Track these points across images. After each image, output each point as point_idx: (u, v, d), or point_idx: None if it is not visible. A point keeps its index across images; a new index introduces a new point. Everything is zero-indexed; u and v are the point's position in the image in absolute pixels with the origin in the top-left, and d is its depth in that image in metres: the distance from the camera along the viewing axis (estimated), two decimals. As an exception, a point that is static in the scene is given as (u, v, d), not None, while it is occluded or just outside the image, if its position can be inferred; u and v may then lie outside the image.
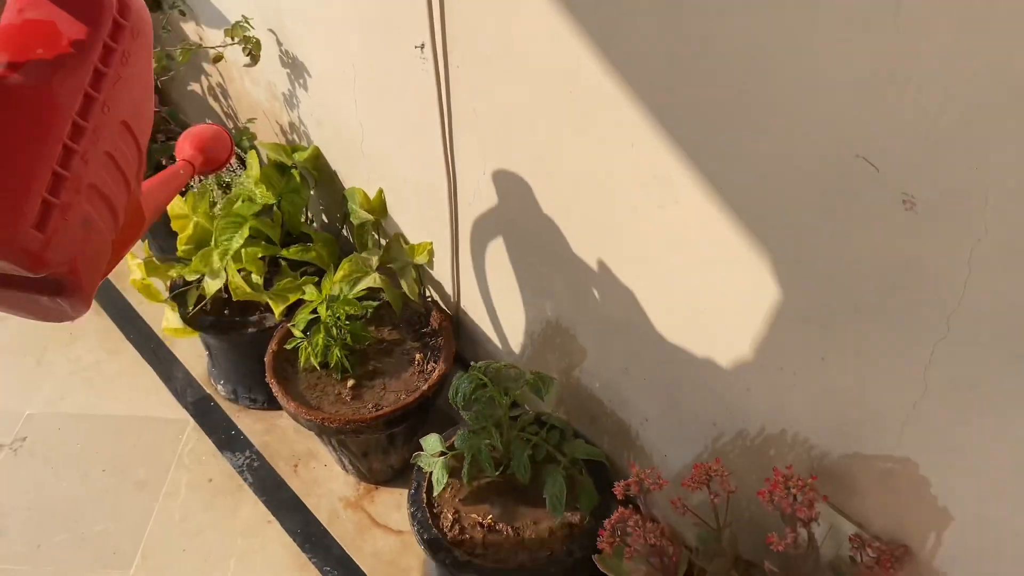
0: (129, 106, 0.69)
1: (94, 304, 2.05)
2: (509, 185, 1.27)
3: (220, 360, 1.79)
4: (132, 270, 1.64)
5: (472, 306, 1.56)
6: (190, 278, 1.63)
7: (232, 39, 1.57)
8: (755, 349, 1.03)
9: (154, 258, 1.64)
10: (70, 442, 1.76)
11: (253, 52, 1.56)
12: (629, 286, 1.16)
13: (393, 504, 1.66)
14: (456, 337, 1.59)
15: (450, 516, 1.33)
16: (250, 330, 1.64)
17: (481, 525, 1.32)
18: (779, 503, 0.98)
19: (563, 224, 1.21)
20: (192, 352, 1.95)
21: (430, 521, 1.32)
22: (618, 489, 1.08)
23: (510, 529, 1.32)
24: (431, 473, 1.35)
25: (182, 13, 1.83)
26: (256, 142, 1.75)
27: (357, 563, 1.56)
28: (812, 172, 0.82)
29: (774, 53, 0.78)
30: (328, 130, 1.66)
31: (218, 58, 1.63)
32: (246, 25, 1.56)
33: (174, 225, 1.65)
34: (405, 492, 1.63)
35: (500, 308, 1.49)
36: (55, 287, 0.67)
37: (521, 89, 1.12)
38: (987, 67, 0.64)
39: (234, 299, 1.60)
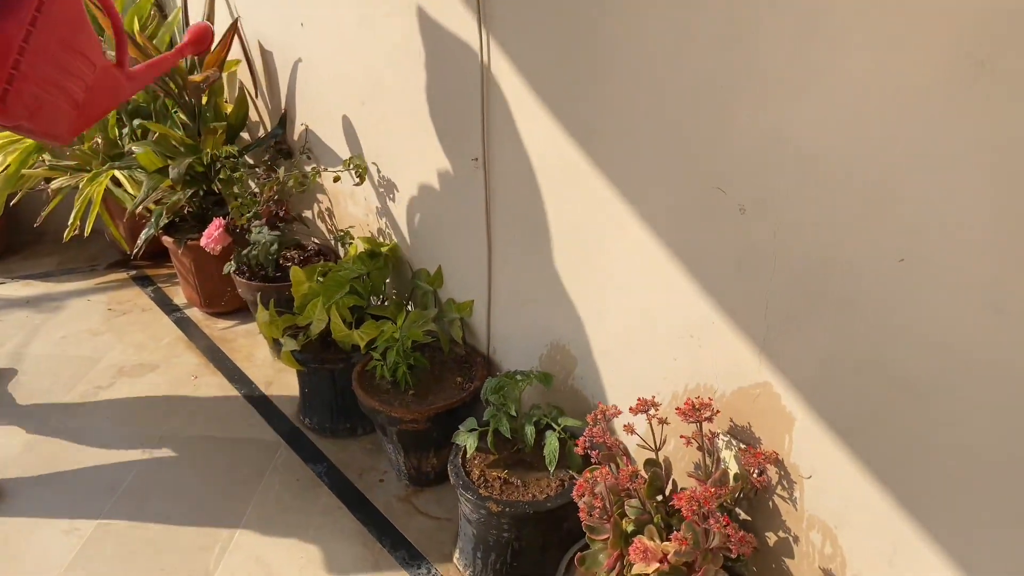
0: (66, 23, 1.45)
1: (214, 368, 2.71)
2: (524, 248, 1.94)
3: (311, 399, 2.40)
4: (260, 323, 2.31)
5: (499, 345, 2.18)
6: (301, 324, 2.29)
7: (348, 167, 2.34)
8: (675, 324, 1.64)
9: (276, 310, 2.32)
10: (195, 451, 2.34)
11: (361, 175, 2.32)
12: (599, 301, 1.79)
13: (433, 500, 2.19)
14: (487, 368, 2.20)
15: (477, 472, 1.88)
16: (340, 365, 2.27)
17: (499, 478, 1.87)
18: (690, 418, 1.55)
19: (557, 262, 1.87)
20: (286, 404, 2.57)
21: (464, 475, 1.87)
22: (591, 417, 1.66)
23: (519, 481, 1.86)
24: (466, 445, 1.92)
25: (308, 157, 2.64)
26: (357, 238, 2.47)
27: (404, 535, 2.07)
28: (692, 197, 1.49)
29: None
30: (403, 229, 2.38)
31: (336, 178, 2.40)
32: (357, 158, 2.33)
33: (294, 290, 2.34)
34: (443, 493, 2.19)
35: (520, 340, 2.10)
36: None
37: (533, 178, 1.82)
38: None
39: (333, 337, 2.25)
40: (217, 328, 2.96)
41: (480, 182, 1.99)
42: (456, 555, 1.98)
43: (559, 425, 1.86)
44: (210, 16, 2.70)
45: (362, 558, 1.99)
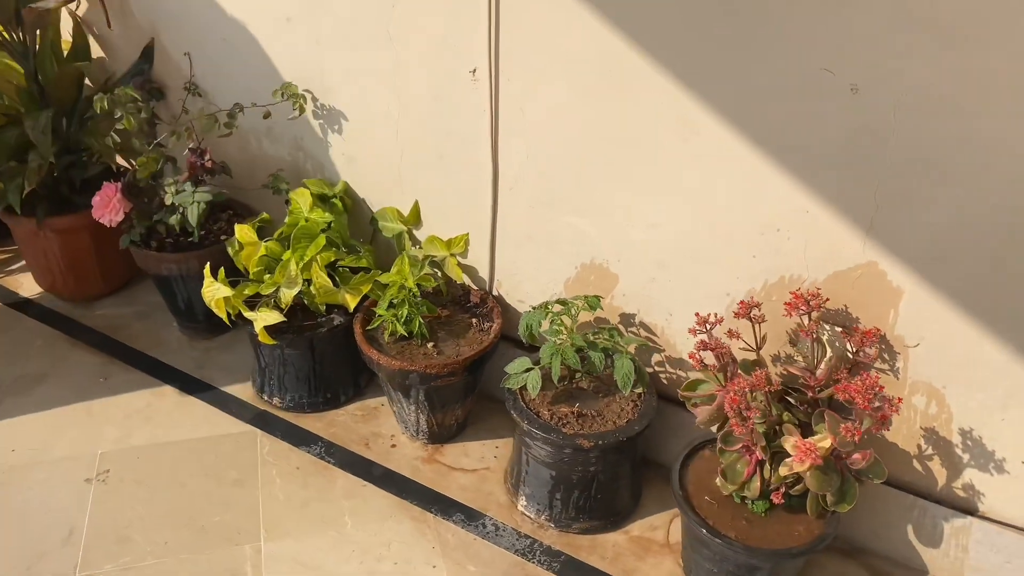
0: None
1: (123, 364, 2.24)
2: (549, 162, 1.78)
3: (279, 375, 2.07)
4: (211, 299, 1.93)
5: (506, 278, 2.01)
6: (265, 292, 1.94)
7: (282, 97, 1.97)
8: (755, 221, 1.59)
9: (228, 283, 1.94)
10: (153, 465, 1.94)
11: (300, 106, 1.97)
12: (652, 211, 1.70)
13: (460, 454, 2.01)
14: (499, 306, 2.02)
15: (546, 413, 1.75)
16: (322, 330, 1.97)
17: (571, 413, 1.75)
18: (799, 309, 1.53)
19: (598, 178, 1.73)
20: (232, 380, 2.20)
21: (536, 417, 1.72)
22: (700, 321, 1.58)
23: (592, 411, 1.76)
24: (521, 387, 1.76)
25: (194, 94, 2.19)
26: (304, 180, 2.11)
27: (448, 496, 1.89)
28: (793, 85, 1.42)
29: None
30: (359, 165, 2.08)
31: (267, 115, 2.02)
32: (291, 86, 1.97)
33: (242, 256, 1.97)
34: (466, 445, 2.03)
35: (535, 270, 1.95)
36: None
37: (564, 84, 1.65)
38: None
39: (313, 300, 1.94)
40: (99, 316, 2.44)
41: (482, 97, 1.77)
42: (522, 502, 1.85)
43: (625, 346, 1.77)
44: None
45: (419, 533, 1.80)
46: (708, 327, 1.59)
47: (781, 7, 1.38)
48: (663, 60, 1.54)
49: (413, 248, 2.07)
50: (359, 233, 2.17)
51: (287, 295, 1.92)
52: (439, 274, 2.01)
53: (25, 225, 2.25)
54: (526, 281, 1.99)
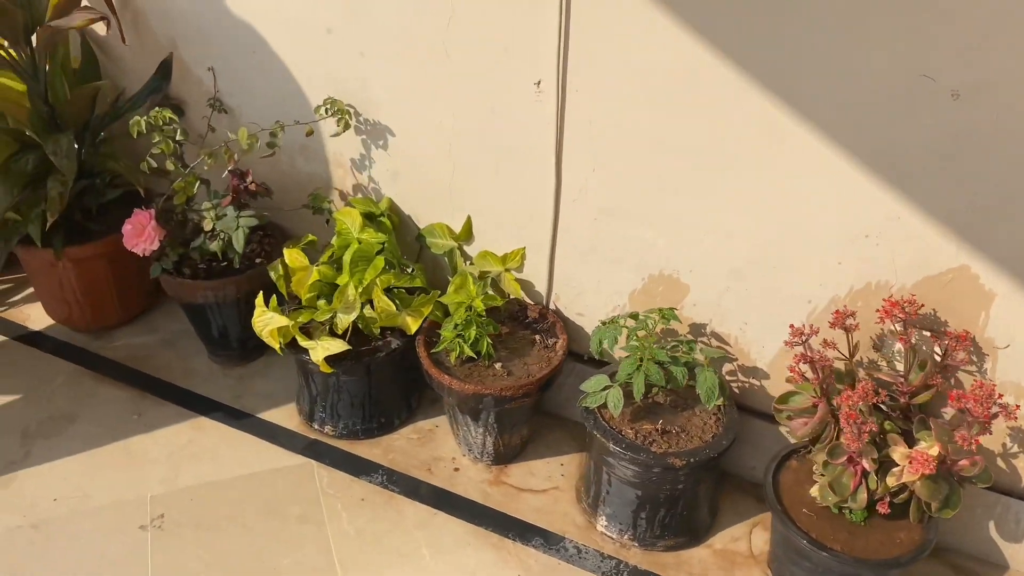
0: None
1: (155, 397, 2.12)
2: (619, 173, 1.73)
3: (332, 403, 1.98)
4: (263, 329, 1.83)
5: (564, 291, 1.96)
6: (320, 319, 1.86)
7: (324, 113, 1.88)
8: (842, 229, 1.57)
9: (281, 311, 1.85)
10: (209, 506, 1.84)
11: (345, 122, 1.88)
12: (730, 220, 1.66)
13: (526, 474, 1.96)
14: (559, 320, 1.97)
15: (630, 432, 1.71)
16: (380, 355, 1.89)
17: (655, 430, 1.71)
18: (894, 315, 1.52)
19: (672, 188, 1.69)
20: (274, 409, 2.11)
21: (620, 436, 1.68)
22: (787, 342, 1.56)
23: (676, 427, 1.72)
24: (600, 406, 1.72)
25: (219, 110, 2.08)
26: (350, 199, 2.02)
27: (523, 519, 1.84)
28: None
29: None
30: (405, 180, 2.00)
31: (310, 132, 1.92)
32: (335, 101, 1.88)
33: (293, 281, 1.88)
34: (530, 464, 1.98)
35: (596, 282, 1.90)
36: None
37: (637, 93, 1.60)
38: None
39: (379, 324, 1.86)
40: (120, 347, 2.31)
41: (547, 110, 1.72)
42: (602, 523, 1.81)
43: (705, 358, 1.73)
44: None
45: (501, 561, 1.75)
46: (804, 339, 1.57)
47: (879, 13, 1.35)
48: (749, 68, 1.50)
49: (465, 264, 2.01)
50: (404, 251, 2.09)
51: (344, 321, 1.84)
52: (496, 291, 1.94)
53: (40, 256, 2.11)
54: (586, 293, 1.94)
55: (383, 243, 1.89)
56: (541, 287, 1.99)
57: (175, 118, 1.82)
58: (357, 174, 2.06)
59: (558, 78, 1.67)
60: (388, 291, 1.90)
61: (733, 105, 1.54)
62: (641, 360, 1.69)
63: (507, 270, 1.97)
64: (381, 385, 1.98)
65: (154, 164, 1.85)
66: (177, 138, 1.81)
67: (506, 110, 1.77)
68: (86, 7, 1.89)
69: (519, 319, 1.99)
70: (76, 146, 1.95)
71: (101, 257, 2.17)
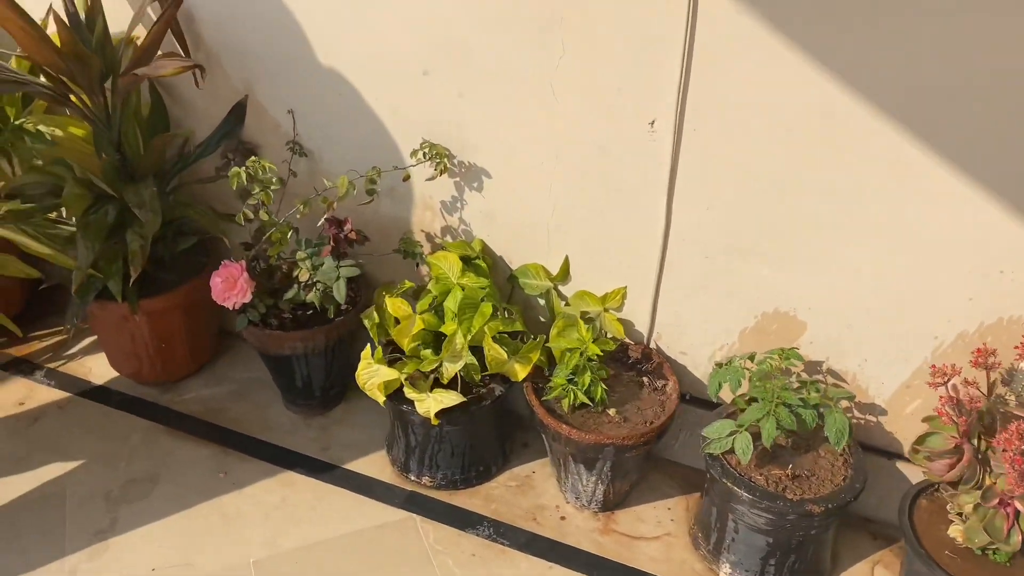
0: None
1: (238, 453, 2.05)
2: (735, 211, 1.69)
3: (431, 454, 1.92)
4: (368, 382, 1.77)
5: (667, 330, 1.92)
6: (426, 369, 1.79)
7: (422, 157, 1.82)
8: (975, 263, 1.54)
9: (386, 362, 1.78)
10: (317, 569, 1.76)
11: (445, 166, 1.82)
12: (855, 256, 1.63)
13: (634, 520, 1.91)
14: (665, 361, 1.92)
15: (760, 478, 1.66)
16: (486, 403, 1.83)
17: (785, 476, 1.67)
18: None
19: (793, 225, 1.65)
20: (363, 459, 2.04)
21: (751, 484, 1.64)
22: (937, 373, 1.53)
23: (804, 471, 1.68)
24: (723, 453, 1.68)
25: (298, 154, 2.01)
26: (444, 242, 1.97)
27: (641, 569, 1.79)
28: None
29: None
30: (499, 221, 1.94)
31: (407, 176, 1.86)
32: (432, 145, 1.82)
33: (396, 331, 1.82)
34: (637, 510, 1.94)
35: (703, 321, 1.86)
36: None
37: (763, 131, 1.56)
38: None
39: (490, 371, 1.80)
40: (192, 399, 2.22)
41: (660, 148, 1.67)
42: (725, 570, 1.76)
43: (833, 399, 1.70)
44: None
45: (627, 614, 1.69)
46: (946, 379, 1.54)
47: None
48: (881, 102, 1.47)
49: (562, 305, 1.95)
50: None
51: (451, 370, 1.78)
52: (596, 328, 1.89)
53: (113, 310, 2.02)
54: (691, 332, 1.90)
55: (485, 288, 1.83)
56: (642, 326, 1.94)
57: (274, 167, 1.75)
58: (447, 216, 2.00)
59: (676, 117, 1.62)
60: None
61: (864, 140, 1.51)
62: (771, 404, 1.65)
63: (606, 310, 1.92)
64: (481, 433, 1.92)
65: (251, 216, 1.77)
66: (273, 187, 1.74)
67: (616, 149, 1.72)
68: (173, 54, 1.82)
69: (622, 360, 1.94)
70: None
71: (176, 308, 2.09)
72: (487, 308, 1.78)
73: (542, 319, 2.05)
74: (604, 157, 1.75)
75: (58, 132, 2.09)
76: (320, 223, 1.83)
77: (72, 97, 1.86)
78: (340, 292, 1.80)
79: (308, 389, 2.10)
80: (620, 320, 1.94)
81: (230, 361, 2.35)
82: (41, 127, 2.08)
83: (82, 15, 1.90)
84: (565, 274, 1.94)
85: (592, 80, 1.67)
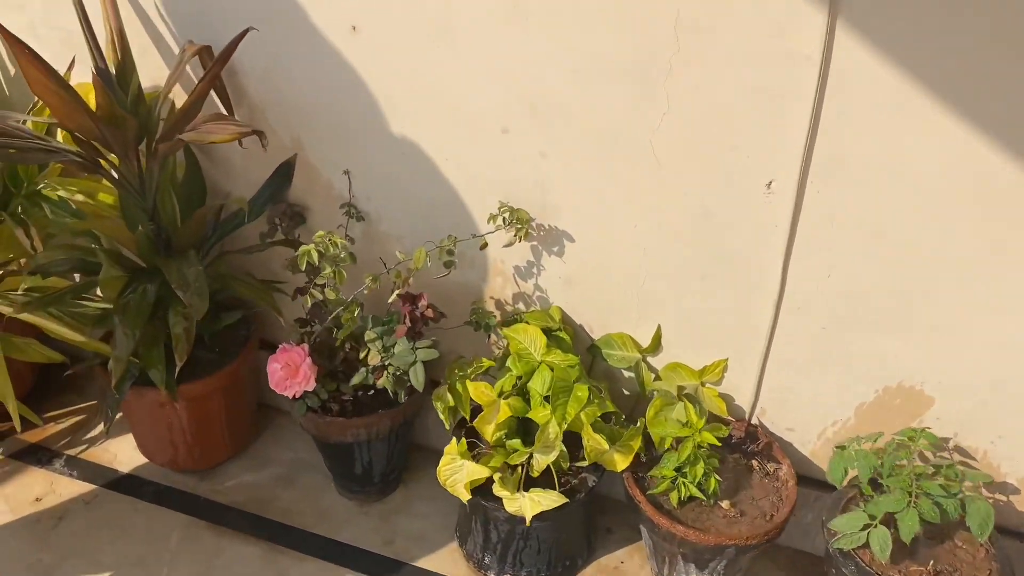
0: None
1: (292, 552, 1.83)
2: (860, 279, 1.52)
3: (518, 549, 1.72)
4: (450, 479, 1.57)
5: (772, 406, 1.74)
6: (515, 461, 1.60)
7: (501, 223, 1.63)
8: None
9: (471, 455, 1.59)
10: None
11: (527, 231, 1.64)
12: (1000, 327, 1.47)
13: (743, 616, 1.72)
14: (770, 439, 1.75)
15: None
16: (580, 495, 1.64)
17: (928, 573, 1.50)
18: None
19: (928, 295, 1.49)
20: (432, 553, 1.84)
21: (894, 586, 1.46)
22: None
23: (947, 567, 1.51)
24: (857, 548, 1.50)
25: (355, 217, 1.81)
26: (515, 310, 1.78)
27: None
28: None
29: None
30: (580, 288, 1.76)
31: (484, 245, 1.67)
32: (513, 209, 1.64)
33: (480, 420, 1.62)
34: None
35: (815, 395, 1.69)
36: None
37: (900, 194, 1.40)
38: None
39: (588, 462, 1.61)
40: (234, 488, 2.00)
41: (777, 211, 1.51)
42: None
43: (971, 483, 1.53)
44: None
45: None
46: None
47: None
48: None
49: (651, 379, 1.77)
50: (571, 363, 1.85)
51: (542, 462, 1.59)
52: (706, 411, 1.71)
53: (148, 396, 1.81)
54: (801, 407, 1.72)
55: (575, 366, 1.64)
56: (743, 401, 1.77)
57: (346, 243, 1.55)
58: (520, 282, 1.81)
59: (799, 178, 1.46)
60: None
61: (1018, 205, 1.35)
62: (910, 494, 1.48)
63: (703, 384, 1.74)
64: (570, 527, 1.73)
65: (319, 296, 1.57)
66: (343, 263, 1.54)
67: (723, 212, 1.55)
68: (223, 116, 1.61)
69: (724, 439, 1.75)
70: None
71: (217, 393, 1.88)
72: (582, 391, 1.59)
73: (626, 392, 1.87)
74: (709, 220, 1.57)
75: (79, 197, 1.89)
76: (391, 299, 1.63)
77: (103, 163, 1.65)
78: (418, 378, 1.60)
79: (367, 475, 1.89)
80: (720, 395, 1.76)
81: (271, 439, 2.14)
82: (61, 192, 1.87)
83: (112, 70, 1.70)
84: (656, 345, 1.76)
85: (701, 138, 1.50)
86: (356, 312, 1.64)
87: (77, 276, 1.92)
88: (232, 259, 1.90)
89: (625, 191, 1.60)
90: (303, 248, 1.52)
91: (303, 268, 1.52)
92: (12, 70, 2.01)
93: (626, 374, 1.83)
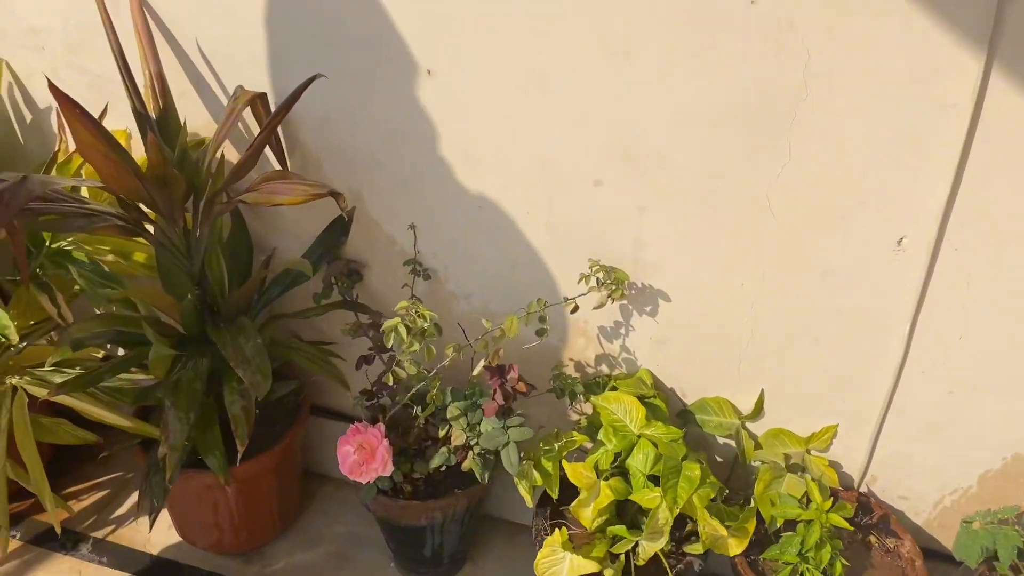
0: None
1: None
2: (997, 341, 1.39)
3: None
4: (550, 571, 1.41)
5: (885, 473, 1.60)
6: (621, 551, 1.44)
7: (597, 284, 1.48)
8: None
9: (571, 541, 1.43)
10: None
11: (622, 293, 1.48)
12: None
13: None
14: (882, 510, 1.61)
15: (1054, 669, 1.35)
16: (690, 583, 1.49)
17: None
18: None
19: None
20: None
21: None
22: None
23: (1102, 656, 1.38)
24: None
25: (422, 275, 1.65)
26: (597, 373, 1.63)
27: None
28: None
29: None
30: (673, 349, 1.61)
31: (575, 308, 1.52)
32: (608, 268, 1.49)
33: (577, 504, 1.46)
34: None
35: (935, 462, 1.55)
36: None
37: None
38: None
39: (702, 549, 1.45)
40: (282, 570, 1.81)
41: (907, 270, 1.38)
42: None
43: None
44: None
45: None
46: None
47: None
48: None
49: (753, 447, 1.63)
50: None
51: (648, 550, 1.44)
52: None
53: (195, 481, 1.63)
54: (916, 475, 1.59)
55: (678, 439, 1.49)
56: (851, 468, 1.63)
57: (434, 315, 1.39)
58: (605, 343, 1.66)
59: (935, 235, 1.32)
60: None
61: None
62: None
63: (808, 451, 1.60)
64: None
65: (403, 374, 1.41)
66: (431, 337, 1.38)
67: (845, 270, 1.42)
68: (290, 175, 1.43)
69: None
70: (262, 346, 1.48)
71: (268, 472, 1.71)
72: (693, 470, 1.44)
73: (719, 459, 1.72)
74: (828, 278, 1.43)
75: (110, 258, 1.70)
76: (476, 372, 1.47)
77: (147, 226, 1.48)
78: (512, 460, 1.43)
79: (436, 557, 1.72)
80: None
81: (320, 512, 1.96)
82: (87, 248, 1.69)
83: (152, 117, 1.53)
84: (759, 410, 1.61)
85: (824, 192, 1.36)
86: (437, 387, 1.47)
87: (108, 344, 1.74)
88: (285, 324, 1.72)
89: (733, 247, 1.46)
90: (389, 324, 1.35)
91: (390, 345, 1.35)
92: (28, 116, 1.82)
93: (720, 440, 1.68)
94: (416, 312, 1.35)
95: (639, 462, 1.47)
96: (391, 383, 1.44)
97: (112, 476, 2.05)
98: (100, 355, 1.84)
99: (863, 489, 1.65)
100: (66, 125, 1.52)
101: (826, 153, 1.32)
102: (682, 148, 1.40)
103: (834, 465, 1.64)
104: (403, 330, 1.32)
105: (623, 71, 1.36)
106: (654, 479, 1.47)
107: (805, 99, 1.29)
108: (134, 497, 1.99)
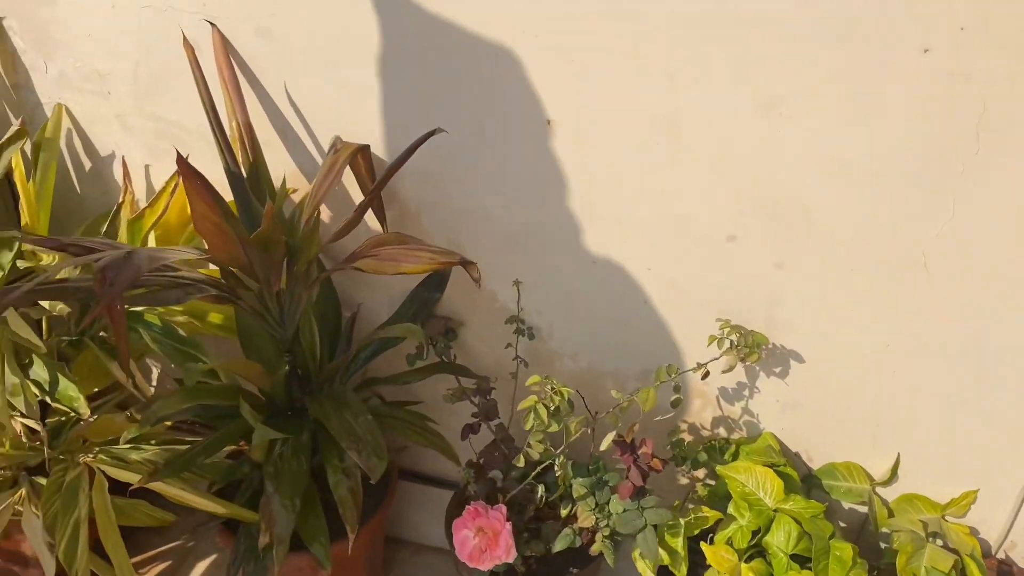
0: None
1: None
2: None
3: None
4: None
5: (1027, 538, 1.51)
6: (766, 639, 1.33)
7: (730, 346, 1.37)
8: None
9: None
10: None
11: (758, 355, 1.38)
12: None
13: None
14: (1025, 576, 1.51)
15: None
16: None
17: None
18: None
19: None
20: None
21: None
22: None
23: None
24: None
25: (527, 335, 1.53)
26: (714, 436, 1.53)
27: None
28: None
29: None
30: (803, 413, 1.51)
31: (706, 374, 1.40)
32: (744, 330, 1.38)
33: (715, 586, 1.35)
34: None
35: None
36: None
37: None
38: None
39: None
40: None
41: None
42: None
43: None
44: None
45: None
46: None
47: None
48: None
49: (887, 516, 1.52)
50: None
51: (799, 638, 1.32)
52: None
53: (291, 563, 1.49)
54: (1062, 541, 1.49)
55: (819, 514, 1.38)
56: (989, 534, 1.53)
57: (571, 391, 1.27)
58: (725, 405, 1.55)
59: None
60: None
61: None
62: None
63: (944, 517, 1.50)
64: None
65: (535, 456, 1.29)
66: (567, 417, 1.26)
67: (1004, 330, 1.32)
68: (408, 239, 1.30)
69: (972, 582, 1.51)
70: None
71: (363, 548, 1.58)
72: (843, 551, 1.33)
73: (842, 524, 1.62)
74: (983, 339, 1.33)
75: (181, 319, 1.57)
76: (605, 446, 1.35)
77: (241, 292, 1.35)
78: (650, 546, 1.31)
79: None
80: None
81: (398, 565, 1.84)
82: (158, 309, 1.56)
83: (243, 172, 1.40)
84: (893, 476, 1.51)
85: (988, 249, 1.26)
86: (566, 466, 1.35)
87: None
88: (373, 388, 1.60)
89: (878, 306, 1.36)
90: (526, 403, 1.23)
91: (528, 428, 1.23)
92: (87, 164, 1.69)
93: (845, 506, 1.58)
94: (552, 389, 1.23)
95: (780, 541, 1.36)
96: (522, 464, 1.32)
97: (172, 545, 1.91)
98: (168, 424, 1.71)
99: (1001, 555, 1.55)
100: (180, 191, 1.40)
101: (993, 210, 1.22)
102: (830, 202, 1.29)
103: (972, 531, 1.53)
104: (543, 411, 1.20)
105: (770, 122, 1.25)
106: (795, 558, 1.36)
107: (976, 153, 1.19)
108: (200, 568, 1.85)
